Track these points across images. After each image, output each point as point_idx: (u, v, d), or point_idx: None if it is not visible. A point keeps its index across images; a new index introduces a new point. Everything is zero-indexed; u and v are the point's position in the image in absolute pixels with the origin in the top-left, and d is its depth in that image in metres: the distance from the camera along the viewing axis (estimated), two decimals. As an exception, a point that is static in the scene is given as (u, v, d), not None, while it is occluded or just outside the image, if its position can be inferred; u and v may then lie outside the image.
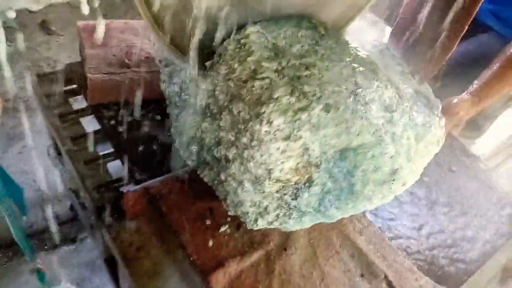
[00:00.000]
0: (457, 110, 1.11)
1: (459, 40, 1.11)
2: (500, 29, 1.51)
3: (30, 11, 2.10)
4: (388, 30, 1.31)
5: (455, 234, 1.06)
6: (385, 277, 0.90)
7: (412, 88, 0.90)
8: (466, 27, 1.07)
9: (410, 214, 1.08)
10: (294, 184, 0.75)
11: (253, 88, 0.72)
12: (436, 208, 1.11)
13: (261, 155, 0.70)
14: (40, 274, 1.04)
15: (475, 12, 1.04)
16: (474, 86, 1.16)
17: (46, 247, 1.39)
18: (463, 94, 1.16)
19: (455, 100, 1.13)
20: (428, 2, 1.08)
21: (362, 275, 0.91)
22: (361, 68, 0.77)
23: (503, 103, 1.90)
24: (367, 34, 1.05)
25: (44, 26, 2.04)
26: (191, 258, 0.83)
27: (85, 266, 1.39)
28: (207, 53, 0.80)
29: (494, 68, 1.17)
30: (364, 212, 1.01)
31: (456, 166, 1.25)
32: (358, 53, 0.82)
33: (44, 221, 1.41)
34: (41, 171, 1.53)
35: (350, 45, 0.83)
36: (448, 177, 1.22)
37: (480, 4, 1.02)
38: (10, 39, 1.95)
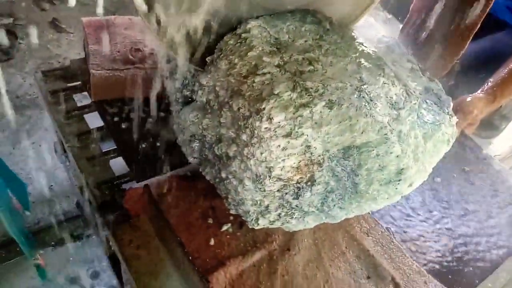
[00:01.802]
0: (471, 109, 1.07)
1: (471, 37, 1.07)
2: (517, 26, 1.46)
3: (42, 9, 2.12)
4: (399, 27, 1.28)
5: (467, 236, 1.03)
6: (392, 279, 0.88)
7: (421, 85, 0.86)
8: (479, 23, 1.03)
9: (419, 215, 1.05)
10: (296, 183, 0.72)
11: (254, 84, 0.69)
12: (447, 210, 1.08)
13: (261, 153, 0.68)
14: (40, 270, 1.03)
15: (489, 8, 1.00)
16: (489, 84, 1.12)
17: (52, 243, 1.40)
18: (478, 92, 1.12)
19: (469, 98, 1.09)
20: (440, -2, 1.05)
21: (368, 277, 0.88)
22: (367, 64, 0.74)
23: (520, 102, 1.84)
24: (377, 30, 1.02)
25: (55, 24, 2.06)
26: (191, 257, 0.82)
27: (91, 262, 1.39)
28: (208, 48, 0.79)
29: (510, 66, 1.13)
30: (371, 212, 0.98)
31: (469, 166, 1.21)
32: (365, 48, 0.79)
33: (51, 218, 1.42)
34: (49, 168, 1.54)
35: (357, 40, 0.80)
36: (461, 177, 1.18)
37: (494, 0, 0.98)
38: (21, 36, 1.98)
